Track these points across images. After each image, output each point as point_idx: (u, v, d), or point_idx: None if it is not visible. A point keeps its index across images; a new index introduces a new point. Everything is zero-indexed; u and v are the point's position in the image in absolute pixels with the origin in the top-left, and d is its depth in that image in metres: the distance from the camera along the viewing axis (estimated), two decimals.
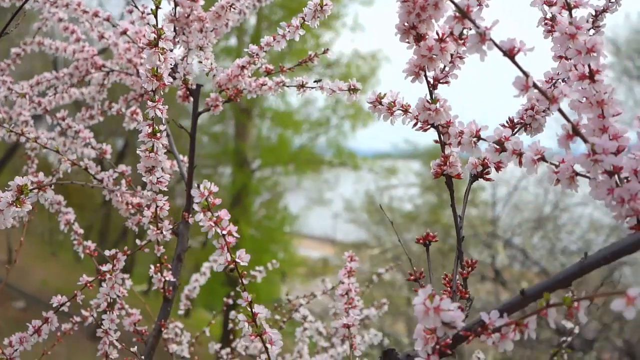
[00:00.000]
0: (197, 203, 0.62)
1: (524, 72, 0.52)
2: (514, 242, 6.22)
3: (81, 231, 1.12)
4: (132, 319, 1.03)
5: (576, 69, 0.57)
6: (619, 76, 8.82)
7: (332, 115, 11.65)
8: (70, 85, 1.21)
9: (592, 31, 0.73)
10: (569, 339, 1.13)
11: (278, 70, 0.99)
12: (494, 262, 5.84)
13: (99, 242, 1.37)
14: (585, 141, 0.52)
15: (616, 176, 0.53)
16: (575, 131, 0.52)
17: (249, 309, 0.66)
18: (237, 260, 0.65)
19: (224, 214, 0.64)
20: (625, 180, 0.52)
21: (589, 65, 0.54)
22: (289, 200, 11.89)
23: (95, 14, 1.13)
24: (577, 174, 0.56)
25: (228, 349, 1.51)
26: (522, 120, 0.71)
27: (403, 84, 0.70)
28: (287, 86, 0.97)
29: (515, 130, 0.71)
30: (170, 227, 0.92)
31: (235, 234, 0.64)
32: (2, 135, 1.10)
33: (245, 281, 0.68)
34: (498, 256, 5.77)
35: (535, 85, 0.51)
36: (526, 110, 0.70)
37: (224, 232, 0.63)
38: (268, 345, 0.66)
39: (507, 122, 0.71)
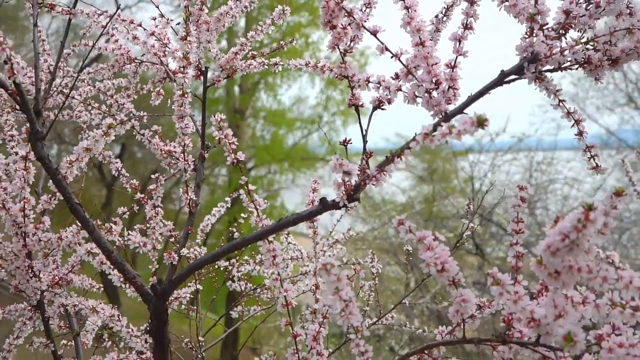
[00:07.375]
0: (213, 124, 1.11)
1: (381, 42, 1.00)
2: (493, 219, 6.73)
3: (127, 175, 1.60)
4: (167, 228, 1.51)
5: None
6: None
7: (324, 112, 12.14)
8: (113, 74, 1.70)
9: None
10: (466, 235, 1.62)
11: (260, 54, 1.49)
12: (474, 236, 6.35)
13: None
14: (414, 76, 1.01)
15: (434, 93, 1.02)
16: (409, 72, 1.01)
17: (246, 187, 1.15)
18: (238, 157, 1.13)
19: (229, 131, 1.12)
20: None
21: (419, 37, 1.03)
22: (285, 198, 12.35)
23: (131, 22, 1.61)
24: (416, 96, 1.05)
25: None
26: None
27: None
28: (267, 65, 1.46)
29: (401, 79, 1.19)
30: (194, 159, 1.41)
31: (236, 143, 1.12)
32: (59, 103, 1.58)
33: (243, 174, 1.16)
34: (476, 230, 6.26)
35: (386, 49, 1.00)
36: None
37: (230, 141, 1.12)
38: (257, 207, 1.14)
39: (395, 74, 1.20)
